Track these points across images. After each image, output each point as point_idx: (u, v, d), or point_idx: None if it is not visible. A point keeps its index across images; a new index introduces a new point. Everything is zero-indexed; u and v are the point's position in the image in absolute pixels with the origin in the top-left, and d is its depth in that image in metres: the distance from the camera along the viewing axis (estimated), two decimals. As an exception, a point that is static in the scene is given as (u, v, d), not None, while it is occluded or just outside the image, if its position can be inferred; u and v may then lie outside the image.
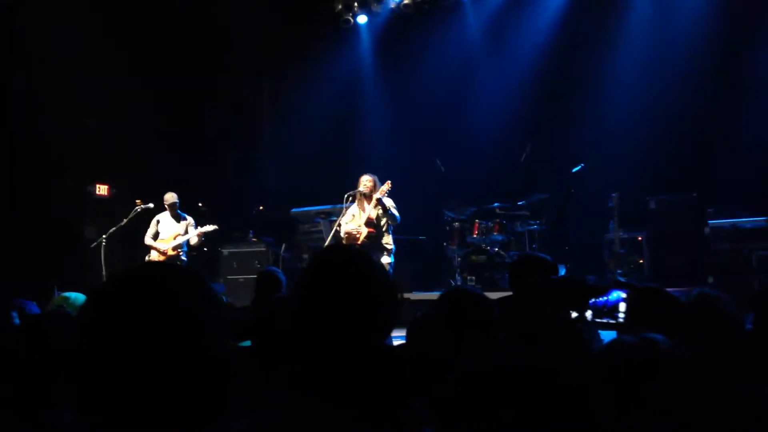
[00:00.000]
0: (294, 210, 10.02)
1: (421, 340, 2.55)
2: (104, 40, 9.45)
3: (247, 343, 2.69)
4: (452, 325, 2.10)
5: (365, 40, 11.25)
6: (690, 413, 1.28)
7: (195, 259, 8.79)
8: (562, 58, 9.73)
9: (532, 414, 1.16)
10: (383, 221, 6.87)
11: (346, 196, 7.22)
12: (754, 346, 2.20)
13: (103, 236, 8.13)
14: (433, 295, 8.51)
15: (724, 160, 8.52)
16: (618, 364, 1.33)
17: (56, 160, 9.43)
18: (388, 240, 6.93)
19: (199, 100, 10.79)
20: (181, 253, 8.17)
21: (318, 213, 9.65)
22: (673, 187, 8.59)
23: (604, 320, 2.72)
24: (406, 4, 10.24)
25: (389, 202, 6.89)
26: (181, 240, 8.12)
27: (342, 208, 7.34)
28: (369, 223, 6.84)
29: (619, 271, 8.35)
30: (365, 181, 6.97)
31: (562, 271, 7.65)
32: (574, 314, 2.72)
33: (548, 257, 3.90)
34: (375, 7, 10.56)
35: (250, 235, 9.93)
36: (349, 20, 10.73)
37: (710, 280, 7.40)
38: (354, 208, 7.08)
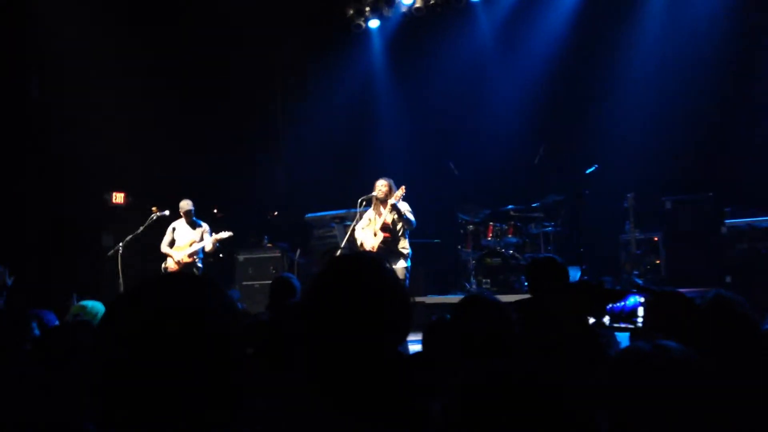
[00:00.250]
0: (308, 215, 10.05)
1: (435, 345, 2.55)
2: (120, 48, 9.53)
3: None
4: (468, 337, 2.10)
5: (377, 45, 11.28)
6: (704, 419, 1.27)
7: (211, 266, 8.85)
8: (575, 58, 9.69)
9: (533, 424, 1.16)
10: (399, 226, 6.86)
11: (360, 200, 7.23)
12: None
13: (120, 244, 8.19)
14: (448, 299, 8.52)
15: (741, 158, 8.44)
16: (630, 372, 1.32)
17: (73, 169, 9.52)
18: (404, 244, 6.91)
19: (214, 107, 10.85)
20: (197, 260, 8.21)
21: (332, 218, 9.68)
22: (689, 187, 8.52)
23: (622, 325, 2.70)
24: (417, 8, 10.25)
25: (405, 207, 6.87)
26: (196, 247, 8.16)
27: (356, 213, 7.35)
28: (385, 227, 6.84)
29: (635, 272, 8.30)
30: (380, 186, 6.96)
31: (577, 273, 7.64)
32: (591, 320, 2.71)
33: (560, 259, 3.89)
34: (386, 12, 10.58)
35: (265, 241, 9.97)
36: (361, 25, 10.75)
37: (728, 280, 7.34)
38: (370, 212, 7.08)
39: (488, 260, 9.01)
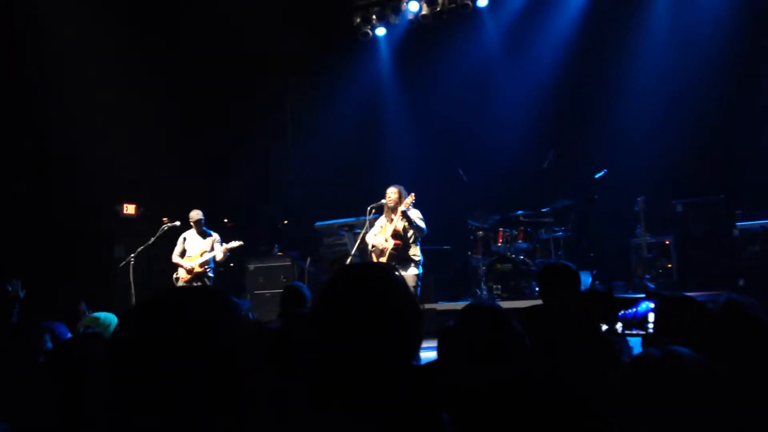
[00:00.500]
0: (318, 223, 10.07)
1: (449, 351, 2.54)
2: (131, 58, 9.61)
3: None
4: (470, 344, 2.10)
5: (384, 52, 11.31)
6: (716, 425, 1.27)
7: (221, 275, 8.87)
8: (581, 63, 9.68)
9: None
10: (410, 233, 6.85)
11: (369, 208, 7.24)
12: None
13: (132, 255, 8.23)
14: (459, 306, 8.48)
15: (752, 161, 8.39)
16: (643, 379, 1.32)
17: (84, 181, 9.58)
18: (415, 251, 6.90)
19: (223, 117, 10.92)
20: (208, 270, 8.23)
21: (342, 226, 9.69)
22: (700, 190, 8.48)
23: (634, 331, 2.69)
24: (424, 15, 10.28)
25: (415, 214, 6.86)
26: (207, 257, 8.19)
27: (365, 221, 7.35)
28: (396, 234, 6.83)
29: (647, 276, 8.26)
30: (390, 193, 6.95)
31: (588, 278, 7.60)
32: (604, 327, 2.70)
33: (574, 266, 3.88)
34: (393, 19, 10.61)
35: (276, 250, 10.00)
36: (368, 33, 10.79)
37: (741, 282, 7.29)
38: (382, 220, 7.08)
39: (499, 266, 8.99)
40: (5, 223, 8.81)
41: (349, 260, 7.64)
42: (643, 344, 2.67)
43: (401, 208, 6.78)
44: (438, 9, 10.17)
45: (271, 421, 1.74)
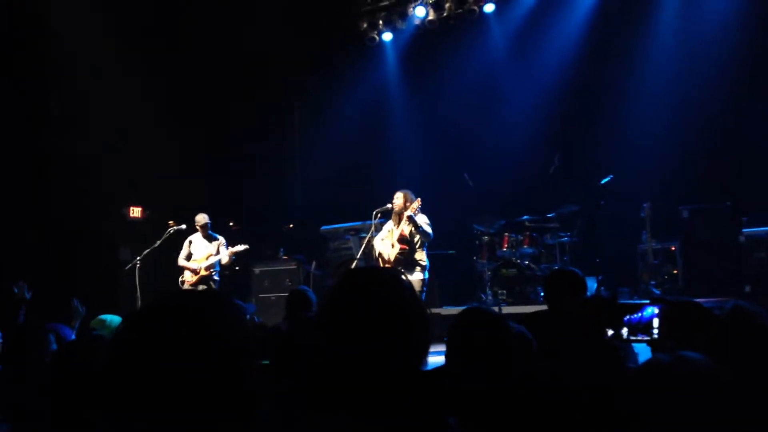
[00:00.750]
0: (324, 227, 10.09)
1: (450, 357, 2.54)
2: (138, 65, 9.65)
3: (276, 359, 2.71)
4: (461, 351, 2.10)
5: (391, 57, 11.33)
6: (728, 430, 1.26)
7: (227, 278, 8.89)
8: (588, 68, 9.67)
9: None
10: (416, 238, 6.85)
11: (375, 212, 7.25)
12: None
13: (138, 258, 8.25)
14: (465, 310, 8.47)
15: (758, 167, 8.36)
16: (652, 384, 1.32)
17: (91, 184, 9.62)
18: (421, 256, 6.90)
19: (229, 122, 10.95)
20: (213, 273, 8.25)
21: (347, 230, 9.70)
22: (707, 196, 8.45)
23: (640, 337, 2.69)
24: (430, 20, 10.29)
25: (422, 219, 6.86)
26: (213, 260, 8.21)
27: (371, 225, 7.36)
28: (402, 239, 6.83)
29: (652, 282, 8.24)
30: (396, 198, 6.96)
31: (594, 284, 7.59)
32: (610, 332, 2.70)
33: (580, 272, 3.88)
34: (400, 24, 10.63)
35: (281, 254, 10.00)
36: (375, 38, 10.81)
37: (747, 289, 7.27)
38: (390, 224, 7.09)
39: (504, 271, 8.97)
40: (12, 225, 8.85)
41: (354, 264, 7.64)
42: (653, 350, 2.67)
43: (407, 213, 6.78)
44: (445, 14, 10.18)
45: (276, 426, 1.74)
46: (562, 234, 9.02)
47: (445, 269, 9.20)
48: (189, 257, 8.28)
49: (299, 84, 11.63)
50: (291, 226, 10.79)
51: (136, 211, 10.46)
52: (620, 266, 8.66)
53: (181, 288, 8.12)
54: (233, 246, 8.29)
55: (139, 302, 7.99)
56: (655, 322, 2.67)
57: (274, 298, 9.44)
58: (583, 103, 9.70)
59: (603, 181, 7.98)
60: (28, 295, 4.92)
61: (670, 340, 2.47)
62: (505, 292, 8.86)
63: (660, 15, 9.42)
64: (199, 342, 1.10)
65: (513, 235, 9.13)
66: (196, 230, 8.35)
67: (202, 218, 8.31)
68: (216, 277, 8.29)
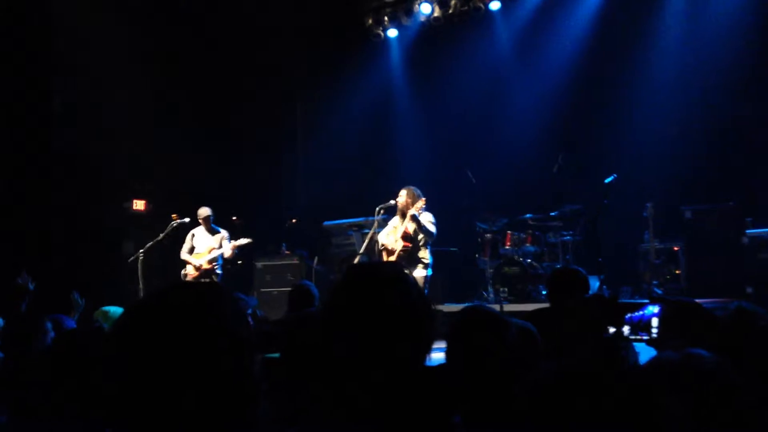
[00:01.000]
0: (326, 223, 10.09)
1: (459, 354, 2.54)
2: (142, 58, 9.65)
3: (276, 354, 2.72)
4: (462, 350, 2.11)
5: (396, 54, 11.33)
6: (738, 427, 1.26)
7: (229, 272, 8.90)
8: (594, 67, 9.65)
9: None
10: (420, 236, 6.86)
11: (378, 209, 7.25)
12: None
13: (141, 251, 8.27)
14: (466, 308, 8.48)
15: (763, 168, 8.35)
16: (662, 382, 1.32)
17: (94, 177, 9.63)
18: (424, 254, 6.91)
19: (234, 116, 10.95)
20: (216, 267, 8.26)
21: (350, 226, 9.70)
22: (710, 196, 8.44)
23: (641, 335, 2.69)
24: (435, 17, 10.28)
25: (426, 218, 6.85)
26: (216, 253, 8.22)
27: (374, 221, 7.36)
28: (405, 236, 6.84)
29: (654, 282, 8.23)
30: (401, 195, 6.96)
31: (596, 283, 7.58)
32: (612, 329, 2.70)
33: (584, 271, 3.88)
34: (405, 21, 10.62)
35: (283, 248, 10.01)
36: (380, 34, 10.81)
37: (749, 290, 7.25)
38: (396, 220, 7.09)
39: (506, 269, 8.98)
40: (17, 217, 8.87)
41: (356, 260, 7.65)
42: (649, 345, 2.68)
43: (411, 212, 6.77)
44: (450, 11, 10.17)
45: (278, 420, 1.74)
46: (565, 232, 9.02)
47: (448, 266, 9.21)
48: (191, 251, 8.30)
49: (303, 79, 11.63)
50: (294, 221, 10.79)
51: (139, 204, 10.47)
52: (623, 265, 8.65)
53: (182, 280, 8.14)
54: (236, 239, 8.30)
55: (142, 295, 8.01)
56: (654, 322, 2.68)
57: (275, 292, 9.45)
58: (587, 101, 9.68)
59: (607, 180, 7.98)
60: (31, 286, 4.94)
61: (670, 339, 2.47)
62: (506, 289, 8.86)
63: (665, 14, 9.39)
64: (198, 333, 1.09)
65: (516, 233, 9.14)
66: (199, 224, 8.37)
67: (204, 211, 8.33)
68: (219, 271, 8.31)
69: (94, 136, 9.52)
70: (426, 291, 6.81)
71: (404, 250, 6.80)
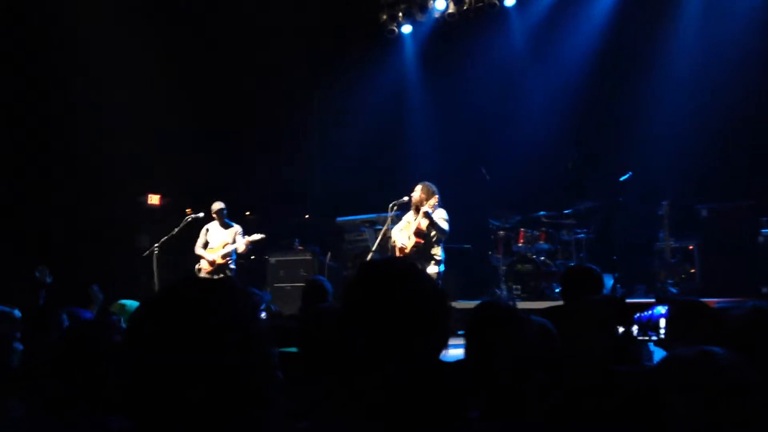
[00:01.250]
0: (339, 219, 10.11)
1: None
2: (156, 53, 9.70)
3: (294, 349, 2.74)
4: (480, 345, 2.10)
5: (410, 50, 11.31)
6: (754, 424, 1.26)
7: (243, 267, 8.94)
8: (609, 64, 9.60)
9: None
10: (433, 233, 6.86)
11: (391, 205, 7.25)
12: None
13: (155, 245, 8.33)
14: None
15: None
16: (678, 379, 1.32)
17: (110, 172, 9.70)
18: (436, 251, 6.90)
19: (248, 111, 10.99)
20: (230, 262, 8.30)
21: (363, 222, 9.71)
22: (726, 195, 8.37)
23: (649, 335, 2.69)
24: (450, 13, 10.26)
25: (439, 215, 6.84)
26: (229, 248, 8.25)
27: (387, 217, 7.37)
28: (418, 233, 6.83)
29: (669, 281, 8.18)
30: (416, 191, 6.95)
31: (610, 281, 7.55)
32: (621, 329, 2.70)
33: (598, 269, 3.88)
34: (419, 17, 10.61)
35: (296, 244, 10.04)
36: (394, 30, 10.80)
37: (765, 290, 7.20)
38: (410, 215, 7.09)
39: (519, 266, 8.96)
40: (33, 212, 8.95)
41: (369, 256, 7.66)
42: (657, 345, 2.68)
43: (424, 209, 6.77)
44: (465, 7, 10.14)
45: (292, 415, 1.75)
46: (579, 230, 8.98)
47: (460, 263, 9.19)
48: (206, 245, 8.34)
49: (318, 75, 11.64)
50: (307, 216, 10.83)
51: (154, 199, 10.54)
52: (637, 264, 8.61)
53: (197, 276, 8.19)
54: (249, 235, 8.33)
55: (156, 289, 8.07)
56: (662, 322, 2.68)
57: (289, 288, 9.49)
58: (602, 98, 9.63)
59: (622, 178, 7.94)
60: (49, 280, 5.00)
61: (677, 340, 2.47)
62: (519, 287, 8.84)
63: (682, 12, 9.31)
64: (209, 328, 1.10)
65: (529, 231, 9.10)
66: (213, 218, 8.41)
67: (217, 206, 8.36)
68: (232, 266, 8.34)
69: (110, 132, 9.59)
70: (438, 287, 6.80)
71: (416, 246, 6.80)
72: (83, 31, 9.40)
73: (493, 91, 10.39)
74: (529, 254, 8.96)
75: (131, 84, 9.60)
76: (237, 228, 8.42)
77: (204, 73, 10.37)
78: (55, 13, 9.30)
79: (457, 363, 2.11)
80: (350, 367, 1.39)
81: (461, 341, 2.15)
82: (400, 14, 10.67)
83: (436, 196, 6.79)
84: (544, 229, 9.10)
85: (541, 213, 9.22)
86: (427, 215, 6.74)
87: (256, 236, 8.32)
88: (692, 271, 8.25)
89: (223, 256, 8.22)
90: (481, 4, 10.04)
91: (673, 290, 8.03)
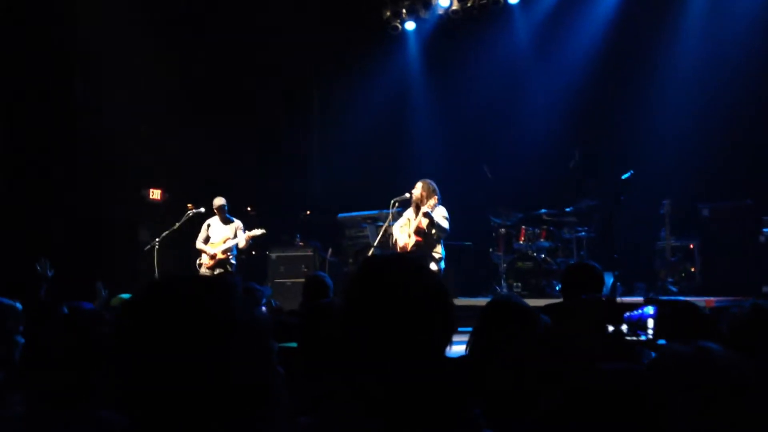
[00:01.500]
0: (340, 215, 10.12)
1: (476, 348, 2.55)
2: (158, 49, 9.70)
3: (294, 344, 2.74)
4: (492, 339, 2.10)
5: (413, 46, 11.30)
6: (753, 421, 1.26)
7: (243, 263, 8.95)
8: (612, 63, 9.58)
9: None
10: (433, 231, 6.85)
11: (392, 201, 7.25)
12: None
13: (156, 240, 8.35)
14: (478, 302, 8.48)
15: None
16: (673, 375, 1.32)
17: (112, 167, 9.71)
18: (437, 249, 6.89)
19: (249, 107, 10.99)
20: (230, 257, 8.32)
21: (364, 218, 9.72)
22: (727, 194, 8.36)
23: (639, 334, 2.70)
24: (454, 11, 10.24)
25: (440, 213, 6.81)
26: (230, 243, 8.27)
27: (388, 214, 7.37)
28: (418, 231, 6.83)
29: (670, 280, 8.19)
30: (416, 188, 6.92)
31: (611, 279, 7.55)
32: (610, 328, 2.71)
33: (599, 267, 3.88)
34: (423, 14, 10.59)
35: (297, 240, 10.06)
36: (398, 26, 10.78)
37: (765, 289, 7.20)
38: (410, 212, 7.08)
39: (520, 264, 8.97)
40: (35, 206, 8.96)
41: (370, 252, 7.66)
42: (644, 346, 2.68)
43: (424, 209, 6.75)
44: (468, 4, 10.13)
45: (293, 412, 1.76)
46: (580, 228, 8.98)
47: (461, 260, 9.20)
48: (207, 240, 8.36)
49: (320, 71, 11.63)
50: (308, 212, 10.83)
51: (155, 194, 10.56)
52: (638, 262, 8.62)
53: (198, 271, 8.21)
54: (250, 230, 8.35)
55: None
56: (650, 323, 2.69)
57: (289, 283, 9.50)
58: (605, 97, 9.61)
59: (624, 177, 7.93)
60: (50, 273, 5.01)
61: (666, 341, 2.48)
62: (520, 284, 8.85)
63: (685, 12, 9.30)
64: (204, 324, 1.09)
65: (530, 228, 9.11)
66: (215, 214, 8.42)
67: (218, 201, 8.37)
68: (233, 261, 8.36)
69: (112, 127, 9.60)
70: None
71: (417, 244, 6.80)
72: (83, 31, 9.40)
73: (496, 89, 10.38)
74: (529, 252, 8.97)
75: (134, 80, 9.60)
76: (238, 223, 8.44)
77: (206, 70, 10.36)
78: (55, 13, 9.29)
79: (459, 359, 2.11)
80: (351, 363, 1.39)
81: (463, 338, 2.16)
82: (404, 11, 10.66)
83: (436, 196, 6.76)
84: (545, 226, 9.10)
85: (543, 211, 9.23)
86: (427, 215, 6.73)
87: (257, 232, 8.34)
88: (693, 269, 8.26)
89: (224, 251, 8.24)
90: (485, 1, 10.03)
91: (673, 289, 8.04)
